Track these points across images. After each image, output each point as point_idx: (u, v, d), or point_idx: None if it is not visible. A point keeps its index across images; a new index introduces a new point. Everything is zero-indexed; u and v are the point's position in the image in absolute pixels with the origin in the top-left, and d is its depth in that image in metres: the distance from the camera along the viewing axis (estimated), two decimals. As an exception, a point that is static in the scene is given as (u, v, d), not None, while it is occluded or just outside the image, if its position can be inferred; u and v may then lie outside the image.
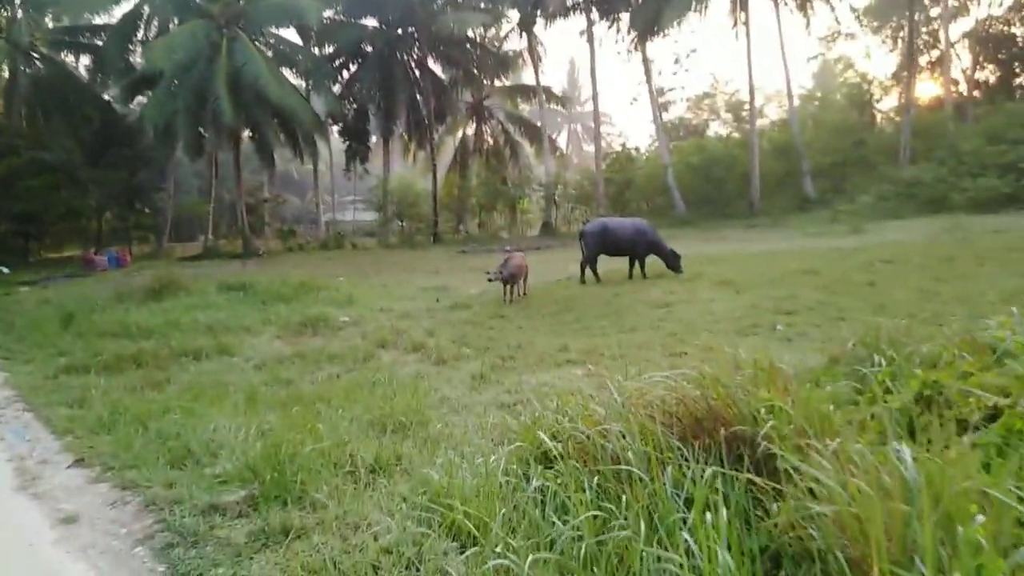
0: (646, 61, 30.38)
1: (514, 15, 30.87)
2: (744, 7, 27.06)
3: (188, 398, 5.67)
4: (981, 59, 33.08)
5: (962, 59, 34.17)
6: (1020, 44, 32.67)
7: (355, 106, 32.12)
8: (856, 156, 28.34)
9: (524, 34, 31.13)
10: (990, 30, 32.32)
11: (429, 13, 28.77)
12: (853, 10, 32.50)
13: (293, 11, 26.16)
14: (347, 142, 32.68)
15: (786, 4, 27.30)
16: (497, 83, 34.35)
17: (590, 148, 68.37)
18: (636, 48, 30.14)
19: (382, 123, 31.79)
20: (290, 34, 30.06)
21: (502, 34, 33.07)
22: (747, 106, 37.08)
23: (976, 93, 32.55)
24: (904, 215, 21.20)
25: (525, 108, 37.12)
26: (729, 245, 18.84)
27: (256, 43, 26.57)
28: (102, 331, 9.02)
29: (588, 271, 12.68)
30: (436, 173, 31.69)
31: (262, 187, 37.93)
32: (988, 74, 33.81)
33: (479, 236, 31.51)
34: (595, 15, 29.98)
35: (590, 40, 29.49)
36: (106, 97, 30.55)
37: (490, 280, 11.03)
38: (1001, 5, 32.31)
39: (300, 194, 47.35)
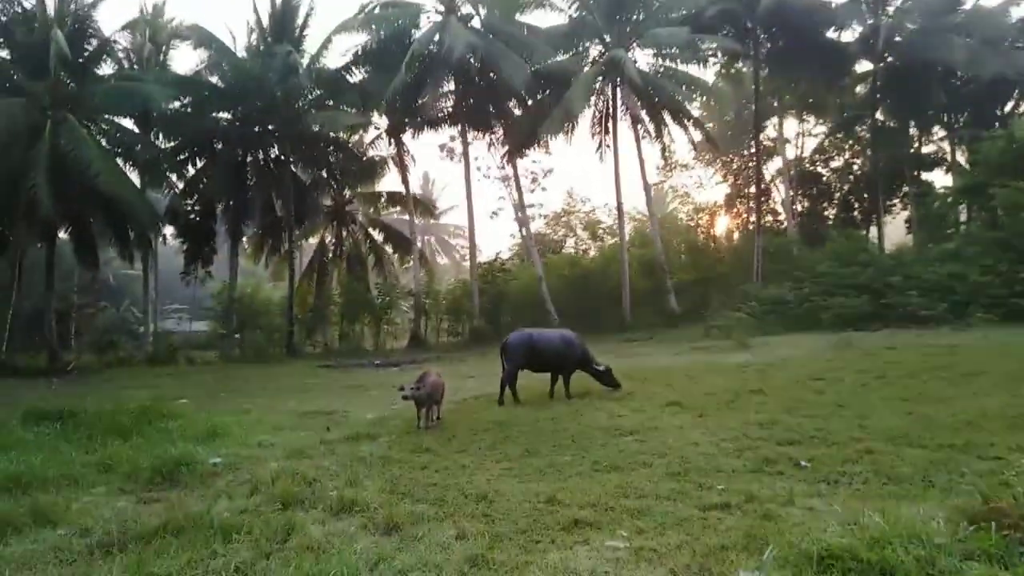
0: (517, 177, 30.68)
1: (383, 121, 30.06)
2: (613, 131, 28.30)
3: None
4: (796, 192, 37.01)
5: (781, 192, 38.02)
6: (824, 181, 37.19)
7: (199, 205, 28.92)
8: (715, 274, 29.75)
9: (393, 141, 30.33)
10: (801, 168, 36.44)
11: (293, 112, 27.06)
12: (693, 146, 35.12)
13: (136, 98, 23.43)
14: (186, 243, 29.10)
15: (647, 133, 28.89)
16: (361, 188, 32.85)
17: (443, 260, 68.66)
18: (508, 163, 30.35)
19: (231, 223, 28.82)
20: (130, 121, 26.83)
21: (367, 139, 32.01)
22: (603, 224, 39.11)
23: (793, 221, 36.25)
24: (775, 331, 21.82)
25: (393, 214, 35.87)
26: (623, 360, 18.03)
27: (89, 128, 23.28)
28: None
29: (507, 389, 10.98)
30: (293, 279, 28.94)
31: (74, 291, 32.68)
32: (801, 206, 37.86)
33: (341, 349, 28.76)
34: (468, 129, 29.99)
35: (465, 153, 29.27)
36: None
37: (405, 397, 8.97)
38: (804, 147, 37.08)
39: (115, 301, 41.31)
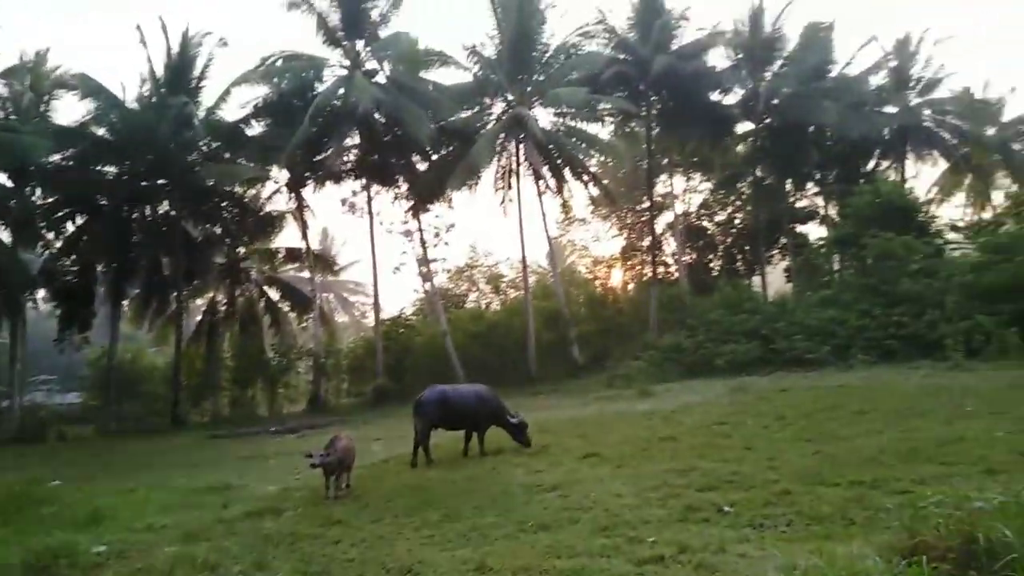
0: (421, 231, 30.52)
1: (283, 175, 29.22)
2: (517, 186, 28.85)
3: None
4: (685, 245, 38.91)
5: (672, 244, 39.82)
6: (709, 234, 39.41)
7: (77, 264, 26.78)
8: (614, 325, 30.49)
9: (293, 196, 29.50)
10: (688, 223, 38.47)
11: (187, 165, 25.84)
12: (591, 201, 36.37)
13: (12, 150, 21.73)
14: (61, 306, 26.72)
15: (548, 188, 29.67)
16: (257, 244, 31.53)
17: (342, 318, 66.72)
18: (413, 217, 30.16)
19: (112, 284, 26.82)
20: (2, 175, 24.67)
21: (265, 194, 30.94)
22: (505, 278, 39.49)
23: (683, 272, 38.05)
24: (672, 378, 22.47)
25: (290, 271, 34.56)
26: (532, 412, 17.88)
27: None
28: None
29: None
30: (180, 342, 27.11)
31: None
32: (690, 258, 39.81)
33: (232, 416, 26.99)
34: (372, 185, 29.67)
35: (369, 207, 28.80)
36: None
37: (313, 466, 8.41)
38: (691, 203, 39.33)
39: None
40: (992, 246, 22.05)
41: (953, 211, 39.51)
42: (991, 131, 34.72)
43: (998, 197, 36.41)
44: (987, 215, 34.08)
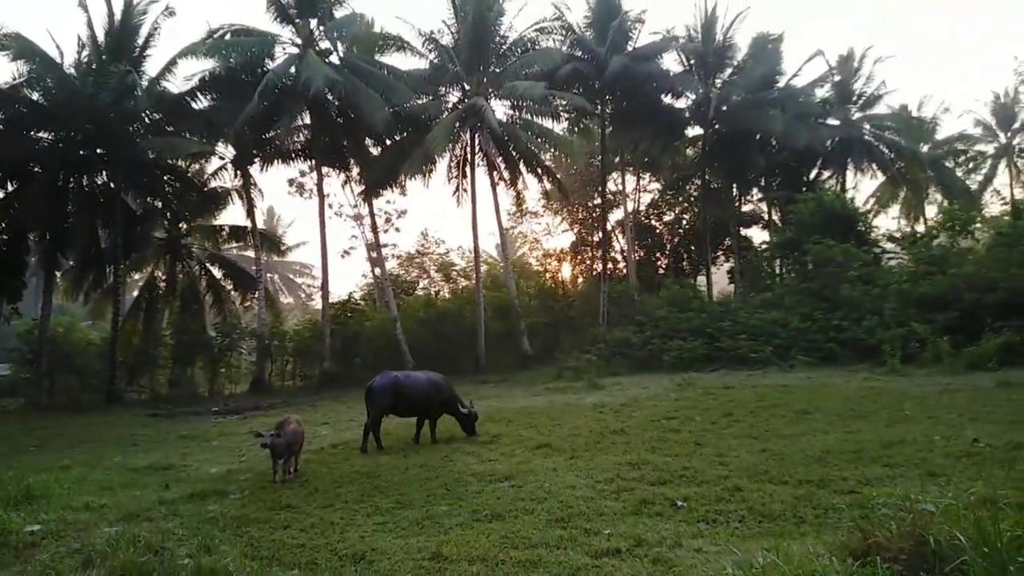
0: (373, 216, 30.09)
1: (229, 151, 28.34)
2: (471, 176, 28.68)
3: None
4: (634, 243, 39.58)
5: (621, 241, 40.42)
6: (657, 233, 40.17)
7: (7, 233, 25.38)
8: (564, 318, 30.78)
9: (238, 173, 28.63)
10: (637, 221, 39.12)
11: (128, 135, 24.73)
12: (544, 195, 36.58)
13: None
14: (-11, 275, 25.31)
15: (502, 180, 29.66)
16: (200, 220, 30.49)
17: (287, 299, 65.41)
18: (364, 201, 29.71)
19: (45, 255, 25.56)
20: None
21: (209, 169, 29.94)
22: (456, 267, 39.43)
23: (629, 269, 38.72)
24: (621, 372, 22.83)
25: (233, 250, 33.55)
26: (482, 402, 17.82)
27: None
28: None
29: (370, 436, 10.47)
30: (117, 317, 26.04)
31: None
32: (637, 255, 40.51)
33: (171, 395, 26.12)
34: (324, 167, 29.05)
35: (320, 189, 28.12)
36: None
37: (264, 445, 8.22)
38: (640, 201, 40.02)
39: None
40: (926, 257, 23.17)
41: (889, 222, 41.50)
42: (925, 148, 36.46)
43: (931, 211, 38.35)
44: (920, 228, 35.79)
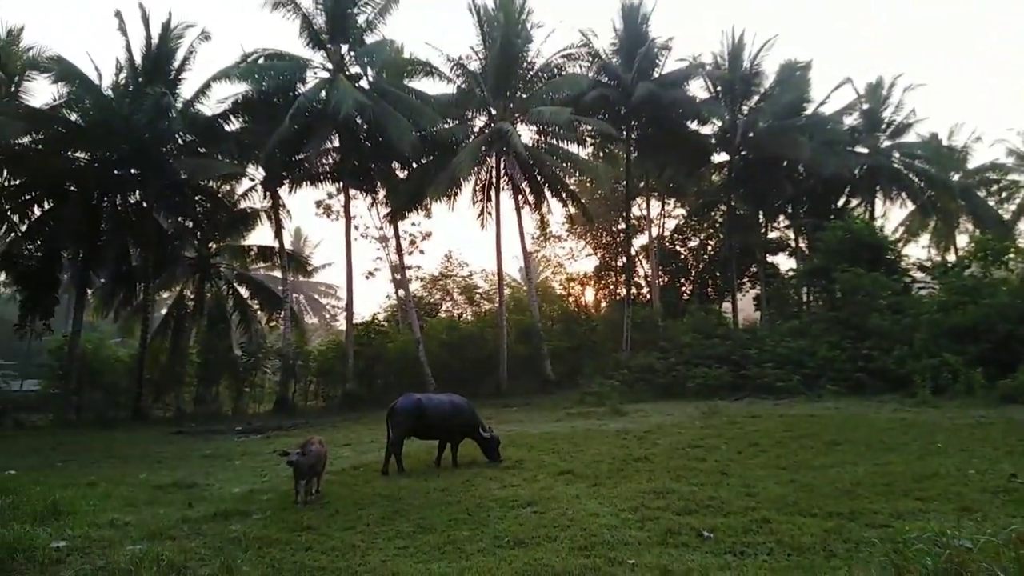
0: (398, 238, 30.38)
1: (259, 173, 28.89)
2: (496, 200, 28.93)
3: None
4: (658, 269, 39.37)
5: (645, 267, 40.23)
6: (682, 259, 39.93)
7: (42, 250, 26.01)
8: (588, 342, 30.61)
9: (268, 194, 29.14)
10: (661, 247, 38.96)
11: (162, 156, 25.34)
12: (568, 219, 36.66)
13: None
14: (24, 292, 25.89)
15: (527, 203, 29.81)
16: (229, 240, 31.03)
17: (311, 320, 66.02)
18: (390, 224, 30.04)
19: (78, 272, 26.14)
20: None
21: (240, 190, 30.54)
22: (479, 289, 39.54)
23: (653, 295, 38.40)
24: (645, 399, 22.63)
25: (260, 270, 34.03)
26: (504, 426, 17.81)
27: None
28: None
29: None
30: (146, 335, 26.47)
31: None
32: (662, 281, 40.24)
33: (196, 413, 26.37)
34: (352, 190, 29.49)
35: (346, 211, 28.56)
36: None
37: (290, 463, 8.21)
38: (664, 227, 39.87)
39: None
40: (959, 288, 22.71)
41: (919, 251, 40.76)
42: (956, 177, 35.92)
43: (962, 240, 37.65)
44: (951, 257, 35.14)
